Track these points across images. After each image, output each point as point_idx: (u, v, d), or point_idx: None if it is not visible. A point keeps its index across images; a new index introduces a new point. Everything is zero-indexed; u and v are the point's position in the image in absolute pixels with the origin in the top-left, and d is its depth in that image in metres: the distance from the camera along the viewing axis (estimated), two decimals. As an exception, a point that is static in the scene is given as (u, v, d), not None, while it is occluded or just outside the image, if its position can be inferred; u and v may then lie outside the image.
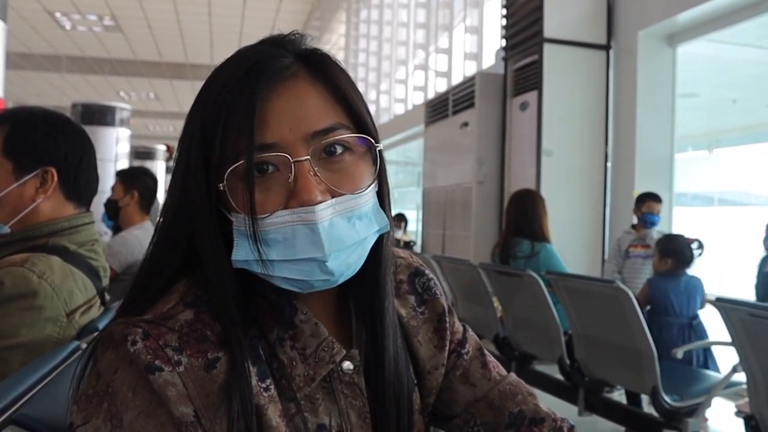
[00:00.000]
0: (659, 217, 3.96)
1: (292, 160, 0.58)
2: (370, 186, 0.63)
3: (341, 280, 0.62)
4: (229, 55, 0.65)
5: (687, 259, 3.37)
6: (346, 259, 0.60)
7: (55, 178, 1.23)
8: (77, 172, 1.27)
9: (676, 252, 3.36)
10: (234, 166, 0.58)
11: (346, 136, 0.61)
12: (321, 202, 0.58)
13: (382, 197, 0.66)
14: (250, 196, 0.57)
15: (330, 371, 0.65)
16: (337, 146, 0.61)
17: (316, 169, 0.59)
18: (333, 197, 0.59)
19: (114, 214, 2.93)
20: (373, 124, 0.66)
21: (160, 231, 0.65)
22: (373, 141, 0.64)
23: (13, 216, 1.21)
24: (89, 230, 1.30)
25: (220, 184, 0.58)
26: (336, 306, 0.70)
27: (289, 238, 0.58)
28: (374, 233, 0.64)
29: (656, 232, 3.94)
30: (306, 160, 0.58)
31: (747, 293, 4.57)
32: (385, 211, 0.65)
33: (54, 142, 1.23)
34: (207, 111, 0.61)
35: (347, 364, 0.66)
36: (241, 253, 0.59)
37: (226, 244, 0.61)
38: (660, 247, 3.44)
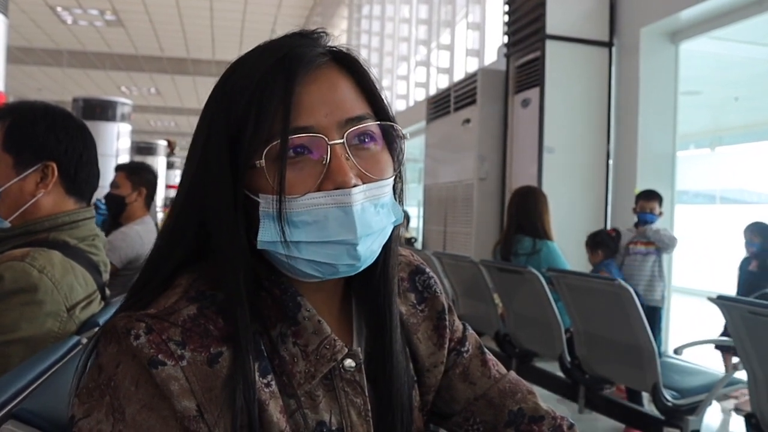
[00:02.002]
0: (654, 216, 3.96)
1: (328, 143, 0.59)
2: (392, 176, 0.65)
3: (363, 267, 0.63)
4: (231, 49, 0.65)
5: (613, 247, 3.96)
6: (371, 246, 0.62)
7: (56, 172, 1.23)
8: (78, 167, 1.27)
9: (602, 244, 3.91)
10: (271, 145, 0.58)
11: (375, 124, 0.64)
12: (355, 186, 0.59)
13: (396, 191, 0.68)
14: (281, 175, 0.58)
15: (331, 369, 0.65)
16: (365, 135, 0.63)
17: (349, 153, 0.60)
18: (364, 182, 0.61)
19: (119, 209, 2.92)
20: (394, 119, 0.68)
21: (170, 221, 0.65)
22: (400, 130, 0.66)
23: (14, 211, 1.21)
24: (90, 225, 1.30)
25: (258, 161, 0.59)
26: (339, 304, 0.70)
27: (320, 221, 0.59)
28: (392, 223, 0.65)
29: (653, 228, 3.94)
30: (341, 143, 0.60)
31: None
32: (398, 196, 0.68)
33: (54, 137, 1.23)
34: (235, 96, 0.61)
35: (349, 362, 0.66)
36: (267, 234, 0.60)
37: (245, 229, 0.61)
38: (588, 243, 3.97)
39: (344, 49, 0.66)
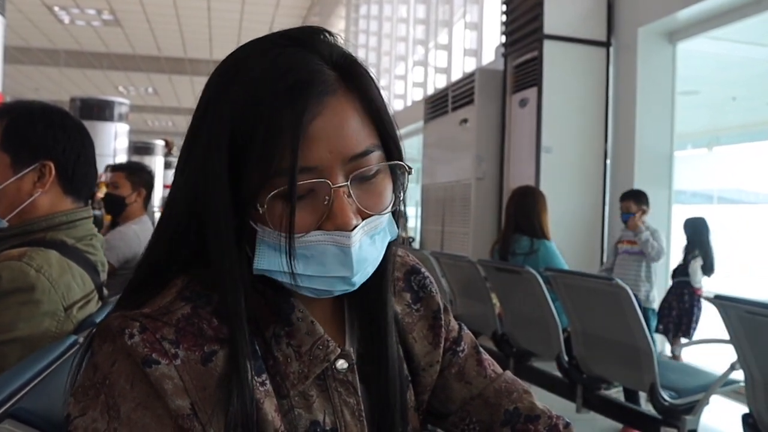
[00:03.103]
0: (628, 214, 3.97)
1: (332, 186, 0.59)
2: (391, 203, 0.64)
3: (358, 286, 0.63)
4: (228, 49, 0.64)
5: None
6: (365, 271, 0.62)
7: (53, 172, 1.23)
8: (75, 167, 1.27)
9: None
10: (276, 191, 0.57)
11: (382, 164, 0.63)
12: (355, 227, 0.59)
13: (397, 216, 0.67)
14: (290, 218, 0.57)
15: (324, 369, 0.65)
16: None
17: (351, 191, 0.60)
18: (363, 218, 0.61)
19: (119, 210, 2.93)
20: (399, 140, 0.67)
21: (165, 224, 0.64)
22: (406, 167, 0.65)
23: (11, 210, 1.21)
24: (87, 225, 1.30)
25: (261, 208, 0.58)
26: (332, 305, 0.70)
27: (317, 256, 0.59)
28: (387, 243, 0.66)
29: (644, 238, 3.92)
30: (345, 186, 0.59)
31: (746, 290, 4.60)
32: (396, 222, 0.67)
33: (52, 136, 1.23)
34: (239, 114, 0.58)
35: (341, 363, 0.66)
36: (265, 263, 0.60)
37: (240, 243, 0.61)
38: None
39: (352, 63, 0.63)
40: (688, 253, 4.75)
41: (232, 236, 0.60)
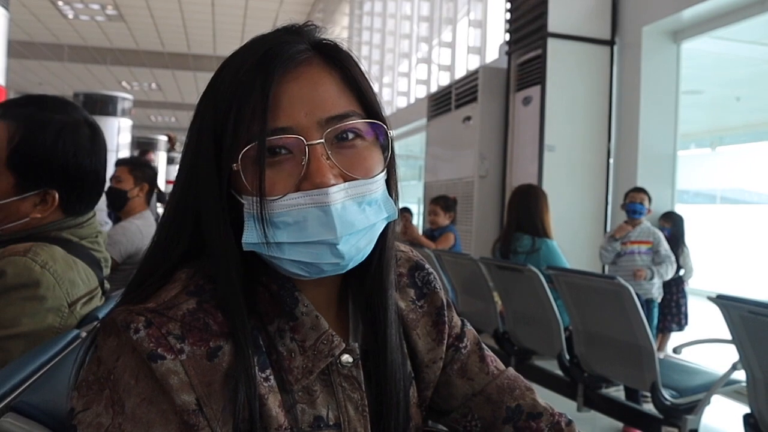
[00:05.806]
0: (643, 206, 3.97)
1: (306, 143, 0.58)
2: (380, 173, 0.63)
3: (350, 266, 0.62)
4: (232, 45, 0.65)
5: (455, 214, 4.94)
6: (356, 244, 0.61)
7: (56, 200, 1.19)
8: (81, 190, 1.21)
9: (452, 209, 4.80)
10: (248, 147, 0.58)
11: (359, 121, 0.62)
12: (334, 185, 0.58)
13: (390, 186, 0.66)
14: (260, 176, 0.58)
15: (329, 364, 0.65)
16: (349, 132, 0.62)
17: (329, 152, 0.59)
18: (345, 181, 0.60)
19: (120, 204, 2.93)
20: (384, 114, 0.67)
21: (167, 216, 0.65)
22: (385, 127, 0.64)
23: (4, 224, 1.19)
24: (93, 224, 1.29)
25: (234, 164, 0.58)
26: (337, 300, 0.70)
27: (300, 221, 0.59)
28: (383, 220, 0.64)
29: (647, 225, 3.96)
30: (320, 143, 0.59)
31: (749, 290, 4.59)
32: (390, 192, 0.66)
33: (62, 163, 1.17)
34: (220, 95, 0.61)
35: (346, 357, 0.66)
36: (251, 235, 0.59)
37: (235, 228, 0.61)
38: (442, 205, 4.74)
39: (332, 42, 0.65)
40: (676, 248, 4.69)
41: (223, 217, 0.61)
